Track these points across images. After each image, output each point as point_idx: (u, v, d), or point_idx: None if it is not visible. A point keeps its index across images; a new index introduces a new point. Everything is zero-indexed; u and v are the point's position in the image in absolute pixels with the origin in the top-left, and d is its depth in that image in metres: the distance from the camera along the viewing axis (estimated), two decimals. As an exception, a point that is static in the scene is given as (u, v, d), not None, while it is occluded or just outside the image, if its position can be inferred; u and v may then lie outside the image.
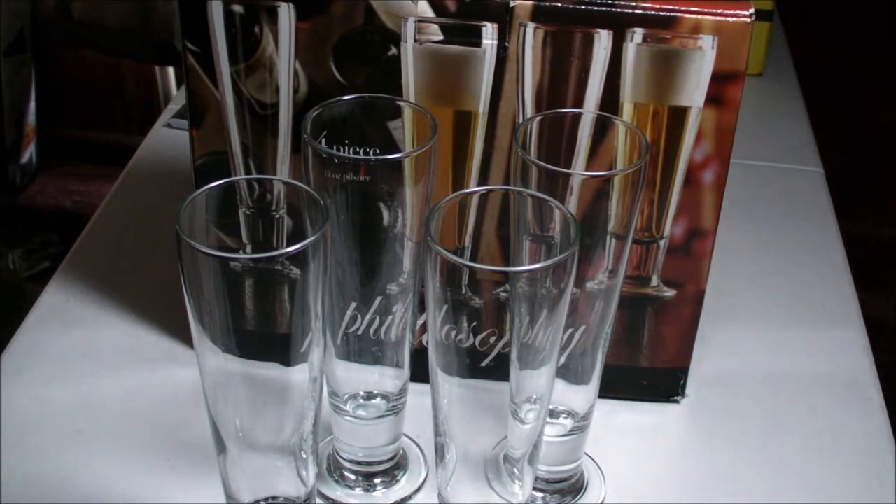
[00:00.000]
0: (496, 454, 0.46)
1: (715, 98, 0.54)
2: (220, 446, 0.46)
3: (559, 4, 0.52)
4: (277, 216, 0.52)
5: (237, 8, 0.53)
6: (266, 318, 0.44)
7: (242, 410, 0.46)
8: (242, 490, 0.48)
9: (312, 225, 0.44)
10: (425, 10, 0.53)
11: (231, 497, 0.48)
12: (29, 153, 1.77)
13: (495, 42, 0.53)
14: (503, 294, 0.42)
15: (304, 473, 0.48)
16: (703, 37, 0.52)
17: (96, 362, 0.64)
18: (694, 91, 0.53)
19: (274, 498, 0.48)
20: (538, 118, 0.51)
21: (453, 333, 0.44)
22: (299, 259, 0.41)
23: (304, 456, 0.47)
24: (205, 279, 0.42)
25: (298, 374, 0.45)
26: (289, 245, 0.41)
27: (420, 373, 0.49)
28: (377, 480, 0.57)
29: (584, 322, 0.51)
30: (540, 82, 0.54)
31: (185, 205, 0.43)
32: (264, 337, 0.45)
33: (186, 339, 0.66)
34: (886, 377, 0.67)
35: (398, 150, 0.52)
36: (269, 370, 0.45)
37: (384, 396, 0.55)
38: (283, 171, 0.57)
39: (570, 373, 0.53)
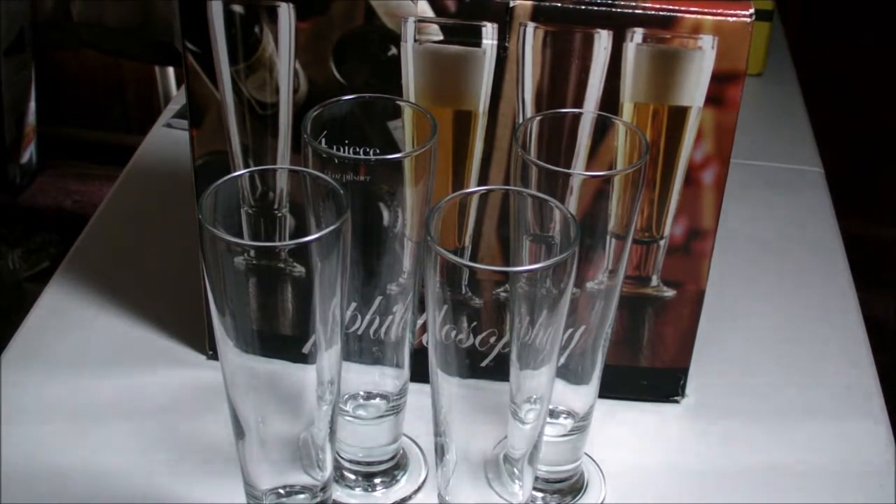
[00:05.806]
0: (496, 454, 0.46)
1: (715, 98, 0.54)
2: (239, 433, 0.47)
3: (559, 4, 0.52)
4: (280, 215, 0.52)
5: (237, 8, 0.53)
6: (284, 314, 0.44)
7: (261, 403, 0.46)
8: (261, 477, 0.48)
9: (326, 218, 0.44)
10: (425, 10, 0.53)
11: (250, 484, 0.48)
12: (29, 153, 1.77)
13: (495, 42, 0.53)
14: (503, 294, 0.42)
15: (321, 464, 0.48)
16: (703, 37, 0.52)
17: (96, 362, 0.64)
18: (694, 91, 0.53)
19: (291, 486, 0.48)
20: (538, 118, 0.51)
21: (453, 333, 0.44)
22: (318, 249, 0.41)
23: (322, 447, 0.47)
24: (227, 270, 0.42)
25: (317, 371, 0.45)
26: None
27: (420, 373, 0.49)
28: (377, 480, 0.57)
29: (584, 322, 0.51)
30: (540, 82, 0.54)
31: (207, 194, 0.43)
32: (280, 334, 0.45)
33: (187, 339, 0.66)
34: (886, 377, 0.67)
35: (398, 150, 0.52)
36: (287, 366, 0.45)
37: (384, 396, 0.55)
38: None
39: (570, 373, 0.53)
